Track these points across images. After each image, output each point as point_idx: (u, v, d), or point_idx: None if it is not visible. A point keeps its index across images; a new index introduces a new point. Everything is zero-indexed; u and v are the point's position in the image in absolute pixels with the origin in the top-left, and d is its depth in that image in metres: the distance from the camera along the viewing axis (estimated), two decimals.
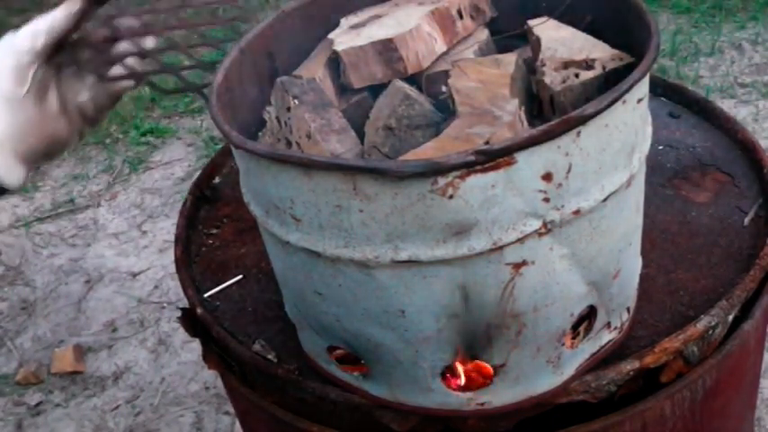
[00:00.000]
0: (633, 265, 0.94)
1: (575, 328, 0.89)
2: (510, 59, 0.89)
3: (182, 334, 2.07)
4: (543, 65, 0.89)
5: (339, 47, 0.94)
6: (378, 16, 0.99)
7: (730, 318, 0.94)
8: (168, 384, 2.03)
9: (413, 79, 0.93)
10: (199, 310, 1.04)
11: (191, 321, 1.07)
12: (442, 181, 0.72)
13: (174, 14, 0.89)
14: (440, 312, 0.81)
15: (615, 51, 0.88)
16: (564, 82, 0.86)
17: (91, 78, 0.89)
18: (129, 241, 2.51)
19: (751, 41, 2.95)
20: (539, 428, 0.91)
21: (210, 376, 2.00)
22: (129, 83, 0.91)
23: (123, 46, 0.90)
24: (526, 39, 0.95)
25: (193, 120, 3.09)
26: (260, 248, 0.94)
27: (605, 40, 0.90)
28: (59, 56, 0.87)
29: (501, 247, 0.77)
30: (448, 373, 0.89)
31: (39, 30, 0.84)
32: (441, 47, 0.95)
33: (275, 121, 0.92)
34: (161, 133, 3.01)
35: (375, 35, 0.93)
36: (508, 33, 1.03)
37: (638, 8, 0.88)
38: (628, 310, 0.95)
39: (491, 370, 0.87)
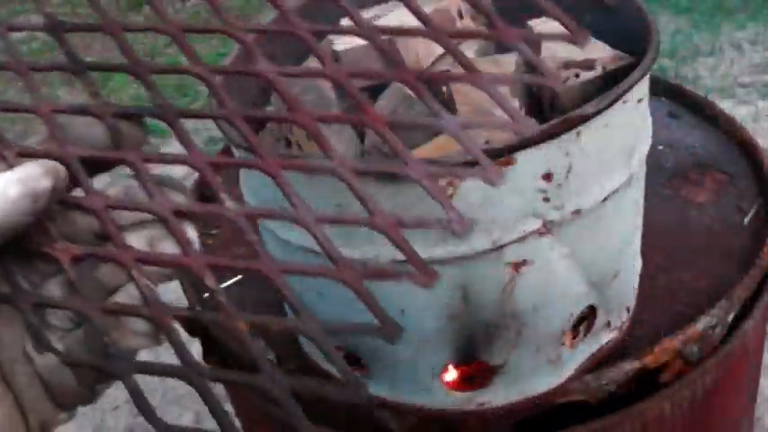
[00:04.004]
0: (633, 265, 0.94)
1: (574, 327, 0.89)
2: (510, 59, 0.89)
3: (182, 334, 2.07)
4: None
5: (339, 47, 0.94)
6: (378, 16, 0.99)
7: (730, 318, 0.94)
8: (168, 384, 2.02)
9: None
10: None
11: (190, 321, 1.07)
12: (442, 181, 0.72)
13: None
14: (440, 312, 0.81)
15: (615, 52, 0.88)
16: (564, 82, 0.86)
17: (64, 320, 0.45)
18: None
19: (751, 41, 2.95)
20: (538, 428, 0.91)
21: None
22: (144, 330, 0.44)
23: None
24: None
25: (193, 120, 3.08)
26: None
27: (605, 41, 0.90)
28: None
29: (501, 247, 0.77)
30: (447, 372, 0.89)
31: None
32: (441, 47, 0.95)
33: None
34: (161, 133, 3.01)
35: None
36: None
37: (638, 8, 0.88)
38: (627, 309, 0.95)
39: (491, 370, 0.87)
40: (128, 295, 0.43)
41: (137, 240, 0.44)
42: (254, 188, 0.84)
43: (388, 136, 0.44)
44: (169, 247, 0.44)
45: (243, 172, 0.86)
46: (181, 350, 0.41)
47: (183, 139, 0.45)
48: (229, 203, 0.43)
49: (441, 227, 0.41)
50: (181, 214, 0.43)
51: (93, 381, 0.45)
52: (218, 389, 1.98)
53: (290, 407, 0.39)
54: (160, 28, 0.48)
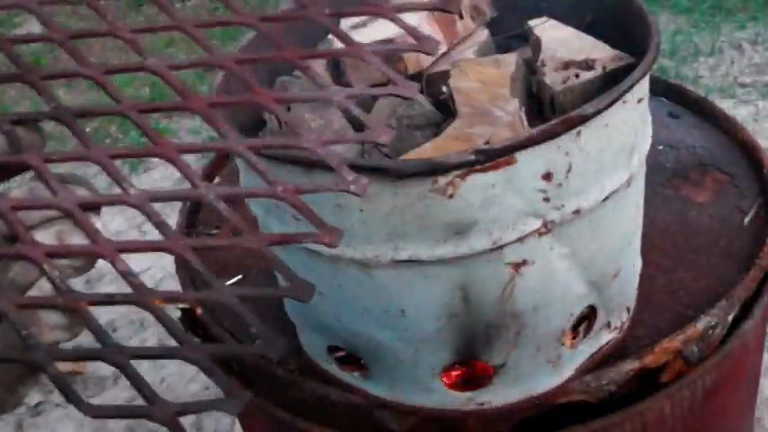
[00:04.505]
0: (633, 265, 0.94)
1: (574, 327, 0.89)
2: (510, 59, 0.89)
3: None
4: (543, 65, 0.89)
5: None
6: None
7: (730, 318, 0.94)
8: (168, 384, 2.02)
9: (413, 79, 0.93)
10: (198, 311, 1.04)
11: (190, 321, 1.07)
12: (442, 180, 0.72)
13: None
14: (440, 312, 0.81)
15: (615, 52, 0.88)
16: (564, 82, 0.86)
17: None
18: None
19: (751, 41, 2.95)
20: (538, 428, 0.91)
21: None
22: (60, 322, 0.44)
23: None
24: (526, 39, 0.95)
25: (193, 120, 3.09)
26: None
27: (605, 40, 0.90)
28: None
29: (501, 247, 0.77)
30: (447, 372, 0.89)
31: None
32: (441, 47, 0.96)
33: (275, 121, 0.92)
34: (161, 133, 3.01)
35: (375, 35, 0.93)
36: (508, 33, 1.03)
37: (638, 8, 0.88)
38: (628, 309, 0.95)
39: (491, 370, 0.87)
40: (40, 290, 0.44)
41: (45, 237, 0.45)
42: (252, 181, 0.84)
43: (278, 111, 0.47)
44: (78, 239, 0.45)
45: (242, 173, 0.86)
46: (99, 333, 0.42)
47: (81, 137, 0.48)
48: (133, 191, 0.45)
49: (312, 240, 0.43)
50: (86, 207, 0.45)
51: (13, 381, 0.45)
52: (219, 389, 1.98)
53: (213, 371, 0.41)
54: (48, 37, 0.50)
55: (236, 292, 0.43)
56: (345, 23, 1.01)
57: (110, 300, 0.44)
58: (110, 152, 0.47)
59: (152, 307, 0.43)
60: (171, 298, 0.43)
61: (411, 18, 0.96)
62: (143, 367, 2.10)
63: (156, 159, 2.92)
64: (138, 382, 0.40)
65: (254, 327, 0.42)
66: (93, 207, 0.45)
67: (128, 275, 0.43)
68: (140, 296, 0.43)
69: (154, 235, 0.45)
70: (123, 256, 0.44)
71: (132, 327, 2.20)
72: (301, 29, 1.00)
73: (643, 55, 0.80)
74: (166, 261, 2.44)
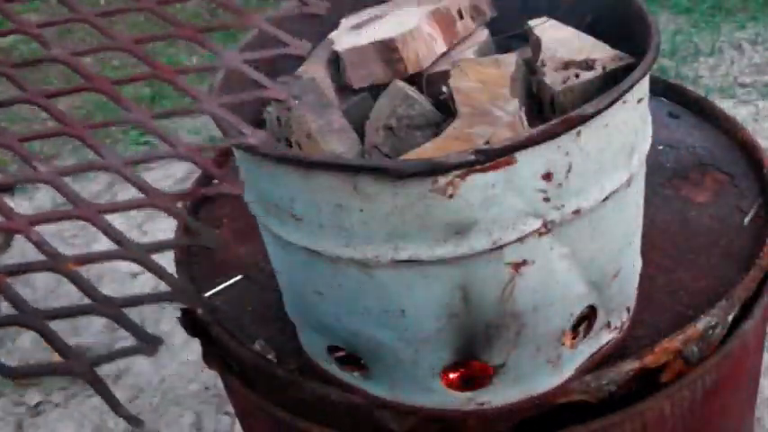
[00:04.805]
0: (633, 265, 0.94)
1: (574, 327, 0.89)
2: (510, 59, 0.90)
3: (182, 334, 2.07)
4: (543, 65, 0.89)
5: (339, 47, 0.94)
6: (378, 16, 0.99)
7: (730, 318, 0.94)
8: (168, 384, 2.02)
9: (413, 79, 0.93)
10: (199, 311, 1.04)
11: (191, 321, 1.07)
12: (442, 180, 0.72)
13: None
14: (440, 312, 0.81)
15: (615, 52, 0.88)
16: (564, 82, 0.86)
17: None
18: None
19: (751, 41, 2.95)
20: (538, 428, 0.91)
21: (210, 376, 2.00)
22: None
23: None
24: (526, 39, 0.95)
25: (193, 120, 3.09)
26: (260, 248, 0.94)
27: (605, 40, 0.90)
28: None
29: (501, 247, 0.77)
30: (447, 372, 0.89)
31: None
32: (441, 47, 0.96)
33: (275, 120, 0.92)
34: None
35: (375, 35, 0.93)
36: (508, 33, 1.03)
37: (638, 8, 0.88)
38: (628, 309, 0.95)
39: (491, 370, 0.87)
40: None
41: None
42: (255, 187, 0.84)
43: (179, 82, 0.51)
44: None
45: (242, 167, 0.86)
46: (16, 302, 0.44)
47: None
48: (43, 168, 0.49)
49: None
50: None
51: None
52: (219, 389, 1.98)
53: (125, 321, 0.44)
54: None
55: (146, 246, 0.45)
56: (345, 23, 1.01)
57: (26, 268, 0.47)
58: (18, 136, 0.50)
59: (66, 271, 0.45)
60: (83, 260, 0.46)
61: (411, 18, 0.96)
62: (144, 367, 2.10)
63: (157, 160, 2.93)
64: (54, 342, 0.42)
65: (164, 278, 0.44)
66: (6, 188, 0.49)
67: (42, 245, 0.45)
68: (55, 262, 0.45)
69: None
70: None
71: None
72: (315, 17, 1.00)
73: (643, 55, 0.80)
74: (167, 261, 2.44)
